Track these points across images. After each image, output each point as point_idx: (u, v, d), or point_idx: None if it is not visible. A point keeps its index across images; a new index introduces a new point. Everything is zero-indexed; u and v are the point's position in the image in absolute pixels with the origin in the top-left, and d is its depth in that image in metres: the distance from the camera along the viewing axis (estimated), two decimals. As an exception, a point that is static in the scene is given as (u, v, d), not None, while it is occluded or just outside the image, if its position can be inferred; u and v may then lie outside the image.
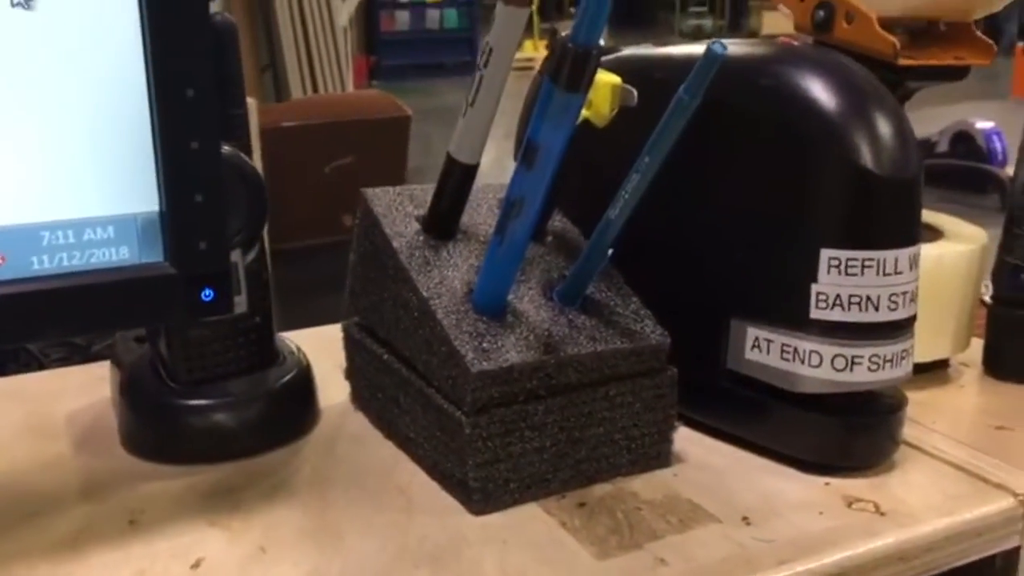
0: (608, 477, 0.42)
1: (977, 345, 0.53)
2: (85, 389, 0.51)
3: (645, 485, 0.41)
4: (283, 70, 3.97)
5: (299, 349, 0.49)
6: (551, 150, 0.35)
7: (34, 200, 0.34)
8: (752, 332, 0.42)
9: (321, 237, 1.83)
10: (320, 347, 0.50)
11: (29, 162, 0.34)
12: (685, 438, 0.44)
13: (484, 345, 0.39)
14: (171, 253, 0.36)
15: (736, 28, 12.52)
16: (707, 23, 12.73)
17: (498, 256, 0.39)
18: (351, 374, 0.50)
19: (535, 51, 9.35)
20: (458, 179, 0.44)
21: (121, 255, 0.35)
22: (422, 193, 0.47)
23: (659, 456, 0.43)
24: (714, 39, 0.34)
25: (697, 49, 0.47)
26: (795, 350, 0.41)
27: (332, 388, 0.50)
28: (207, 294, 0.37)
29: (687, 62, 0.37)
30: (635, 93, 0.39)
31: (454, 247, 0.44)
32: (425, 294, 0.41)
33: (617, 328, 0.42)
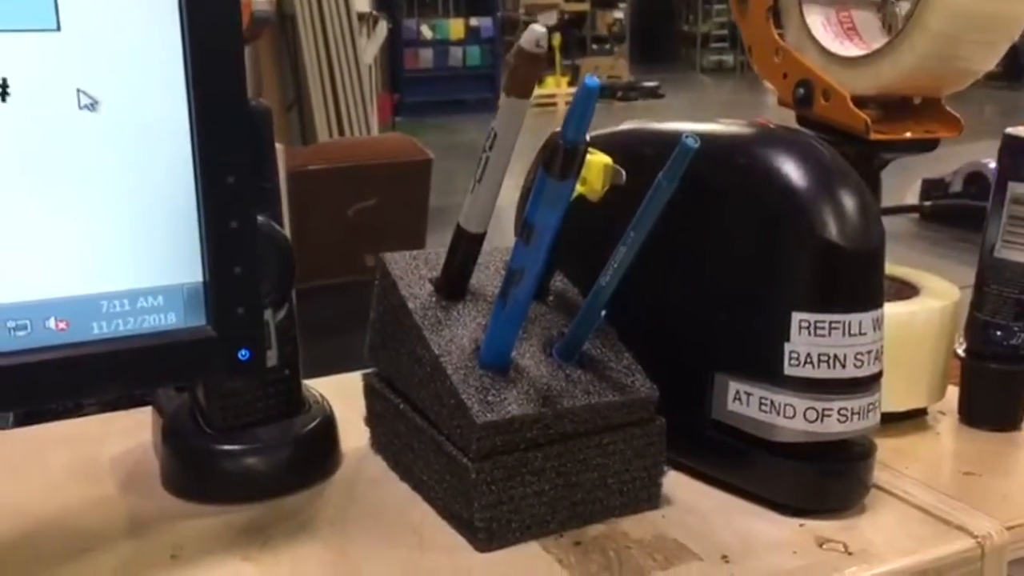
0: (602, 518, 0.46)
1: (953, 393, 0.57)
2: (127, 433, 0.56)
3: (635, 525, 0.45)
4: (309, 107, 4.06)
5: (323, 398, 0.54)
6: (546, 229, 0.40)
7: (95, 273, 0.39)
8: (733, 385, 0.46)
9: (344, 276, 1.89)
10: (341, 394, 0.54)
11: (91, 240, 0.39)
12: (674, 481, 0.48)
13: (489, 398, 0.43)
14: (213, 318, 0.41)
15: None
16: (728, 59, 12.84)
17: (502, 318, 0.44)
18: (370, 421, 0.54)
19: (557, 87, 9.48)
20: (467, 247, 0.49)
21: (169, 320, 0.40)
22: (435, 257, 0.52)
23: (649, 498, 0.47)
24: (687, 133, 0.38)
25: (677, 127, 0.52)
26: (772, 402, 0.45)
27: (352, 433, 0.54)
28: (243, 354, 0.41)
29: (666, 140, 0.41)
30: (623, 173, 0.44)
31: (463, 307, 0.49)
32: (436, 351, 0.46)
33: (610, 382, 0.46)
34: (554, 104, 9.13)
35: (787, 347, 0.44)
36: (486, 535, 0.43)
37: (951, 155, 2.63)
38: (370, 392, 0.53)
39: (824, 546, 0.43)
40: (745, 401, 0.46)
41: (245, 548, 0.44)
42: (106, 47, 0.38)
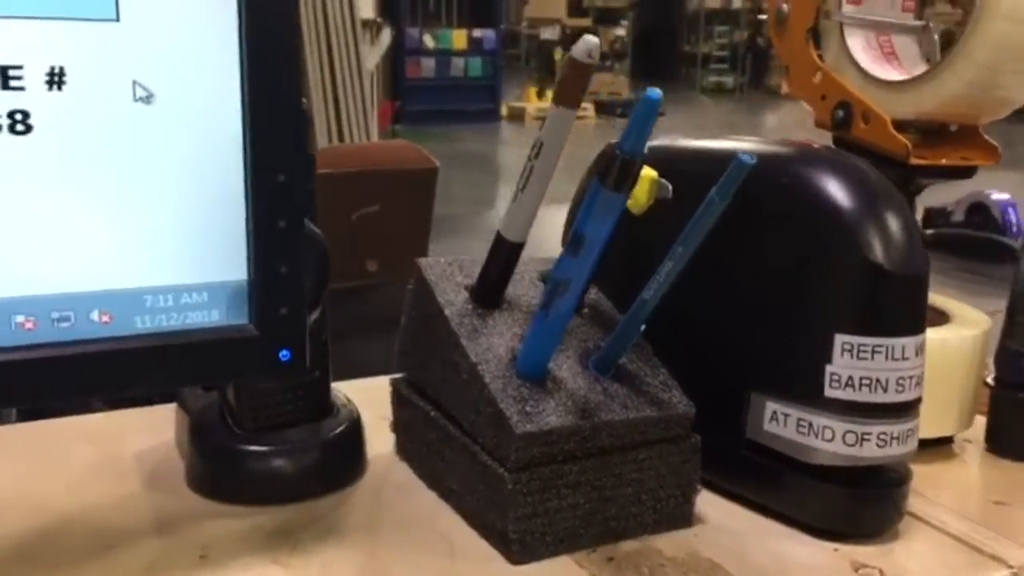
0: (635, 534, 0.45)
1: (980, 423, 0.57)
2: (149, 431, 0.55)
3: (669, 543, 0.45)
4: (310, 112, 4.07)
5: (350, 401, 0.54)
6: (595, 241, 0.40)
7: (139, 267, 0.39)
8: (771, 406, 0.46)
9: (347, 281, 1.88)
10: (363, 398, 0.54)
11: (137, 234, 0.38)
12: (706, 501, 0.48)
13: (527, 408, 0.43)
14: (255, 317, 0.41)
15: (757, 86, 12.69)
16: (728, 80, 12.91)
17: (543, 328, 0.44)
18: (397, 427, 0.54)
19: (557, 101, 9.50)
20: (505, 255, 0.48)
21: (212, 317, 0.40)
22: (471, 264, 0.51)
23: (682, 517, 0.46)
24: (742, 152, 0.38)
25: (722, 144, 0.52)
26: (810, 424, 0.45)
27: (377, 439, 0.54)
28: (284, 355, 0.41)
29: (712, 157, 0.41)
30: (670, 188, 0.44)
31: (500, 316, 0.49)
32: (474, 359, 0.45)
33: (647, 397, 0.46)
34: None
35: (828, 369, 0.44)
36: (520, 547, 0.43)
37: (953, 185, 2.65)
38: (398, 398, 0.53)
39: (860, 571, 0.43)
40: (782, 422, 0.46)
41: (274, 551, 0.44)
42: (164, 40, 0.37)
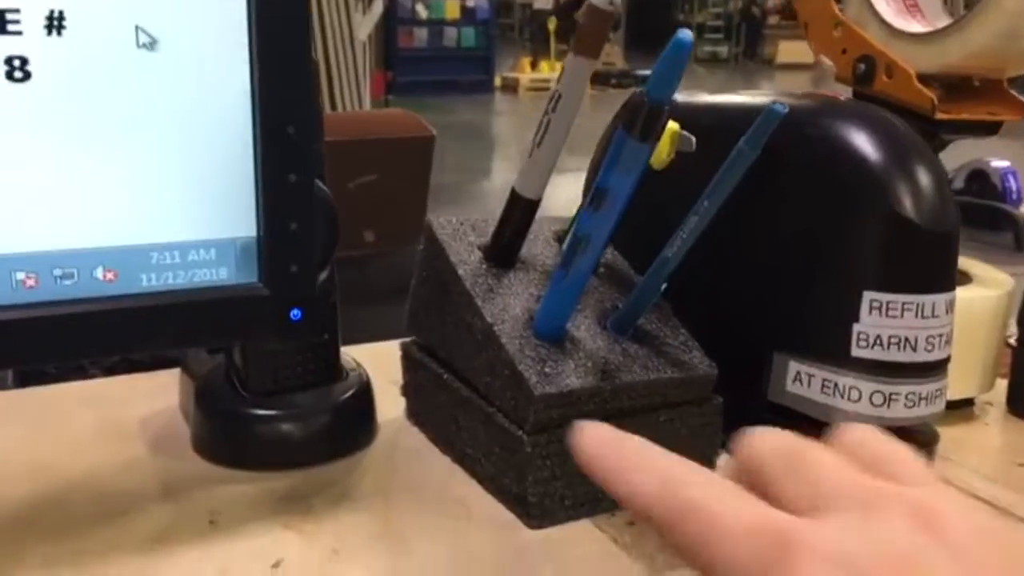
0: (655, 498, 0.44)
1: (1001, 385, 0.56)
2: (154, 395, 0.54)
3: (690, 506, 0.44)
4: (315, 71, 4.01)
5: (359, 365, 0.52)
6: (619, 194, 0.38)
7: (145, 222, 0.37)
8: (794, 366, 0.45)
9: (343, 251, 1.87)
10: (370, 363, 0.53)
11: (142, 188, 0.37)
12: (725, 464, 0.46)
13: (546, 369, 0.42)
14: (265, 275, 0.39)
15: (751, 56, 12.62)
16: (722, 50, 12.83)
17: (561, 287, 0.42)
18: (408, 391, 0.52)
19: (551, 71, 9.44)
20: (521, 213, 0.47)
21: (220, 275, 0.38)
22: (483, 224, 0.50)
23: (702, 480, 0.45)
24: (775, 100, 0.37)
25: (743, 99, 0.50)
26: (835, 385, 0.44)
27: (386, 403, 0.52)
28: (295, 314, 0.40)
29: (734, 111, 0.39)
30: (693, 140, 0.42)
31: (515, 276, 0.47)
32: (489, 320, 0.44)
33: (667, 358, 0.45)
34: (547, 88, 9.10)
35: (855, 328, 0.43)
36: (539, 511, 0.42)
37: (954, 151, 2.63)
38: (409, 361, 0.52)
39: (886, 533, 0.42)
40: (806, 382, 0.45)
41: (286, 516, 0.42)
42: (167, -18, 0.36)
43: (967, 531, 0.23)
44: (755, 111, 0.44)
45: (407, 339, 0.52)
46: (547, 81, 9.17)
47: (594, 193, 0.38)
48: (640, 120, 0.36)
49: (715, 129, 0.44)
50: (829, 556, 0.22)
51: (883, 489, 0.24)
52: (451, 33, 9.07)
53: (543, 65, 9.58)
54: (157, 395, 0.54)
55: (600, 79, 9.31)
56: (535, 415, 0.41)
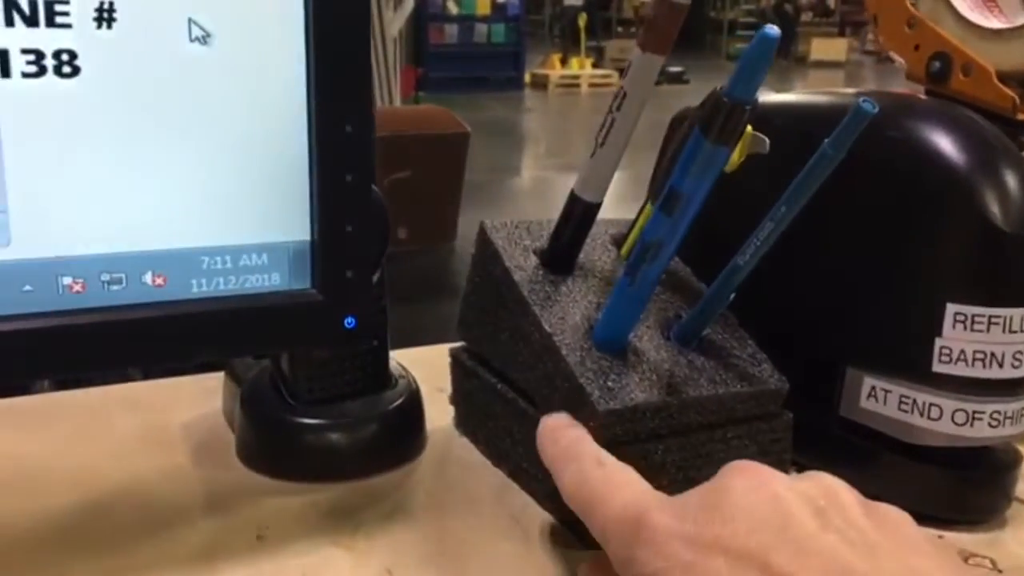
0: (721, 518, 0.42)
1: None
2: (197, 400, 0.52)
3: (758, 528, 0.41)
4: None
5: (407, 371, 0.50)
6: (693, 199, 0.36)
7: (196, 226, 0.35)
8: (869, 381, 0.43)
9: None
10: (415, 369, 0.51)
11: (192, 189, 0.35)
12: (796, 482, 0.44)
13: (609, 383, 0.40)
14: (319, 281, 0.37)
15: (784, 54, 12.48)
16: (754, 47, 12.67)
17: (626, 296, 0.40)
18: (457, 400, 0.51)
19: (581, 69, 9.41)
20: (580, 216, 0.45)
21: (272, 281, 0.37)
22: (538, 227, 0.48)
23: (771, 499, 0.43)
24: (862, 96, 0.34)
25: (815, 98, 0.48)
26: (914, 402, 0.41)
27: (433, 411, 0.51)
28: (350, 322, 0.38)
29: (807, 111, 0.37)
30: (767, 142, 0.40)
31: (573, 283, 0.45)
32: (548, 329, 0.42)
33: (736, 371, 0.42)
34: (577, 86, 9.06)
35: (938, 342, 0.40)
36: (600, 531, 0.40)
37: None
38: (459, 369, 0.50)
39: (969, 561, 0.39)
40: (882, 399, 0.42)
41: (335, 532, 0.41)
42: (221, -26, 0.34)
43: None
44: (831, 110, 0.41)
45: (456, 345, 0.50)
46: (577, 78, 9.14)
47: (666, 196, 0.36)
48: (719, 121, 0.34)
49: (787, 130, 0.42)
50: (671, 531, 0.29)
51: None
52: (481, 29, 9.07)
53: (573, 62, 9.55)
54: (200, 400, 0.52)
55: (630, 76, 9.25)
56: (598, 432, 0.39)
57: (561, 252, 0.46)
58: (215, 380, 0.52)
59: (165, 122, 0.34)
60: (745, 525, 0.27)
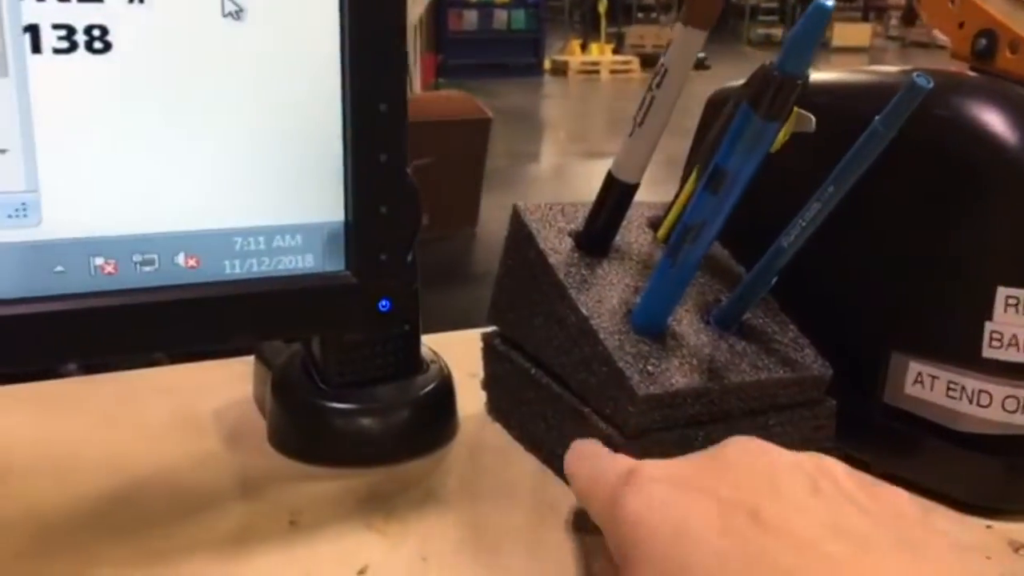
0: (762, 506, 0.41)
1: None
2: (227, 385, 0.52)
3: (800, 517, 0.40)
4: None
5: (438, 356, 0.50)
6: (739, 177, 0.35)
7: (229, 206, 0.35)
8: (915, 367, 0.41)
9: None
10: (445, 354, 0.50)
11: (225, 168, 0.34)
12: (838, 470, 0.43)
13: (648, 368, 0.39)
14: (353, 263, 0.37)
15: (806, 38, 12.34)
16: (776, 32, 12.57)
17: (667, 278, 0.39)
18: (489, 385, 0.50)
19: (601, 55, 9.35)
20: (617, 198, 0.44)
21: (306, 263, 0.36)
22: (572, 209, 0.47)
23: (813, 488, 0.42)
24: (917, 71, 0.33)
25: (859, 77, 0.46)
26: (962, 388, 0.40)
27: (464, 397, 0.50)
28: (384, 305, 0.37)
29: (852, 89, 0.36)
30: (813, 120, 0.38)
31: (609, 265, 0.44)
32: (584, 312, 0.41)
33: (778, 356, 0.41)
34: (597, 72, 9.01)
35: (988, 326, 0.39)
36: (639, 519, 0.39)
37: None
38: (492, 354, 0.49)
39: (1021, 552, 0.38)
40: (928, 385, 0.41)
41: (368, 516, 0.40)
42: (255, -54, 0.33)
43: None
44: (879, 88, 0.40)
45: (488, 329, 0.50)
46: (596, 64, 9.08)
47: (711, 175, 0.35)
48: (768, 95, 0.32)
49: (833, 108, 0.41)
50: (658, 476, 0.29)
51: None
52: (501, 15, 9.02)
53: (593, 48, 9.49)
54: (230, 384, 0.52)
55: (650, 61, 9.20)
56: (637, 417, 0.38)
57: (597, 234, 0.45)
58: (245, 365, 0.52)
59: (198, 99, 0.33)
60: (738, 479, 0.28)
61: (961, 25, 0.51)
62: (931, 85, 0.33)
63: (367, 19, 0.34)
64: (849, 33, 11.92)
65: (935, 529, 0.27)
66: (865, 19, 13.31)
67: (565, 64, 9.04)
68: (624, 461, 0.32)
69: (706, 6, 0.38)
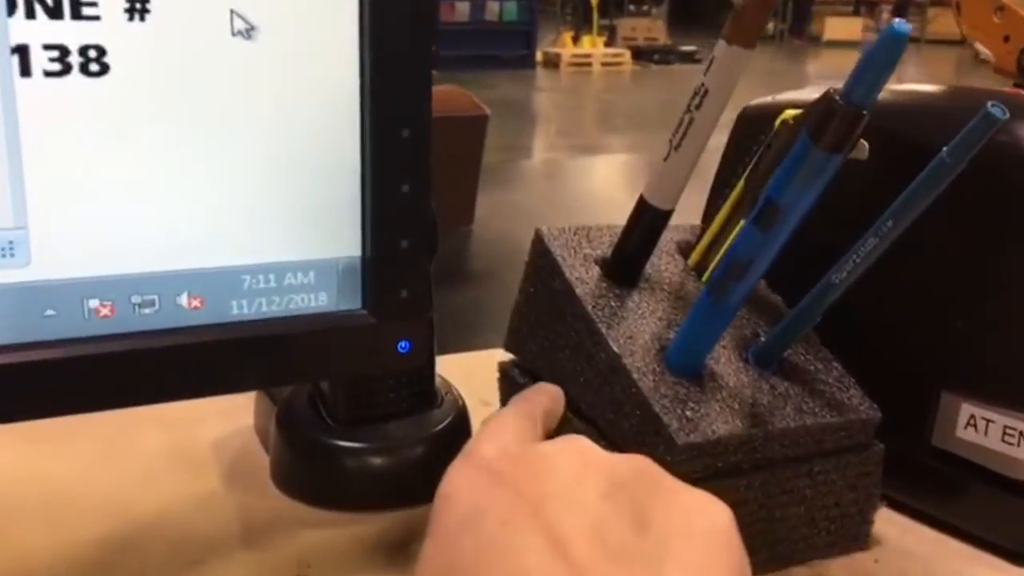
0: (805, 558, 0.39)
1: None
2: (226, 416, 0.49)
3: (845, 571, 0.38)
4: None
5: (451, 386, 0.47)
6: (792, 212, 0.32)
7: (235, 242, 0.32)
8: (967, 409, 0.39)
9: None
10: (455, 379, 0.47)
11: (234, 201, 0.31)
12: (884, 519, 0.40)
13: (687, 413, 0.36)
14: (370, 301, 0.34)
15: (798, 33, 12.33)
16: (768, 26, 12.55)
17: (707, 315, 0.36)
18: (507, 418, 0.47)
19: (592, 47, 9.31)
20: (649, 224, 0.41)
21: (320, 302, 0.33)
22: (598, 233, 0.44)
23: (857, 538, 0.39)
24: (992, 102, 0.30)
25: (913, 98, 0.44)
26: (1020, 434, 0.37)
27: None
28: (403, 346, 0.34)
29: (905, 110, 0.33)
30: (866, 147, 0.36)
31: (639, 296, 0.41)
32: (616, 350, 0.38)
33: (823, 398, 0.39)
34: (589, 64, 8.97)
35: (1050, 369, 0.36)
36: (676, 575, 0.36)
37: None
38: (510, 384, 0.46)
39: (1082, 610, 0.36)
40: (982, 429, 0.38)
41: (385, 570, 0.37)
42: (267, -42, 0.30)
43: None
44: (935, 112, 0.37)
45: (505, 359, 0.47)
46: (589, 56, 9.04)
47: (762, 209, 0.32)
48: (833, 126, 0.30)
49: (885, 132, 0.38)
50: (486, 460, 0.30)
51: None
52: (493, 7, 8.96)
53: (585, 40, 9.45)
54: (230, 415, 0.49)
55: (642, 55, 9.16)
56: (675, 468, 0.35)
57: (626, 262, 0.42)
58: (244, 395, 0.49)
59: (202, 125, 0.30)
60: (539, 473, 0.28)
61: (1007, 39, 0.49)
62: (1007, 116, 0.30)
63: (390, 36, 0.31)
64: (840, 27, 11.91)
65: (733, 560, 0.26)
66: (856, 13, 13.30)
67: (557, 56, 8.99)
68: (481, 437, 0.32)
69: (751, 23, 0.35)
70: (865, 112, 0.29)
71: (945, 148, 0.32)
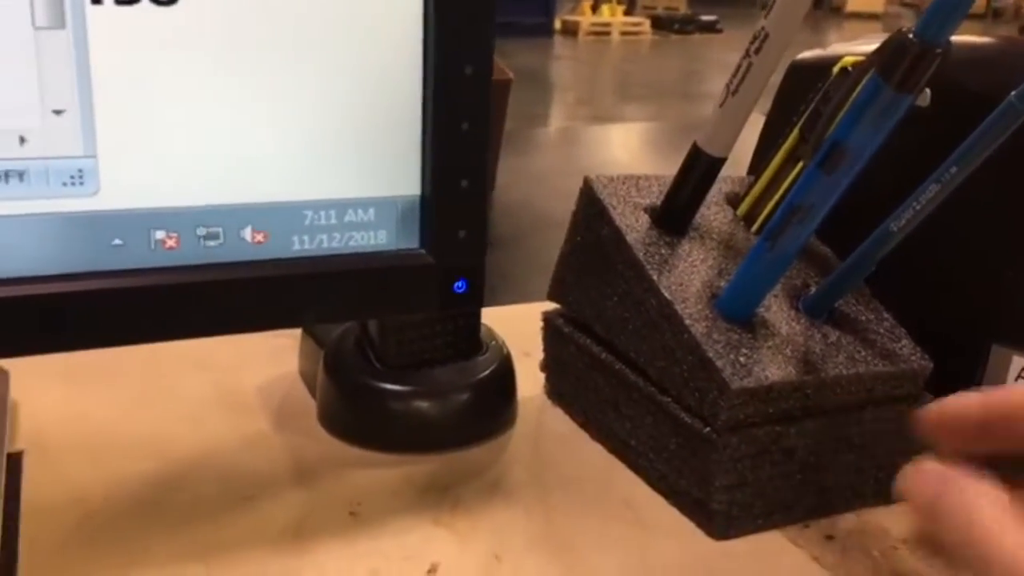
0: (851, 507, 0.39)
1: None
2: (270, 359, 0.49)
3: (893, 520, 0.38)
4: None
5: (497, 335, 0.47)
6: (860, 155, 0.32)
7: (299, 176, 0.32)
8: (1018, 361, 0.39)
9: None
10: (497, 330, 0.47)
11: (297, 135, 0.31)
12: (931, 469, 0.40)
13: (740, 359, 0.36)
14: (428, 240, 0.34)
15: (818, 3, 12.16)
16: (789, -4, 12.32)
17: (763, 262, 0.36)
18: (550, 367, 0.47)
19: (612, 16, 9.21)
20: (702, 172, 0.41)
21: (379, 240, 0.33)
22: (646, 182, 0.44)
23: (905, 487, 0.39)
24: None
25: (974, 46, 0.43)
26: (1074, 387, 0.37)
27: (520, 378, 0.47)
28: (460, 285, 0.34)
29: (968, 58, 0.32)
30: (928, 92, 0.35)
31: (690, 245, 0.41)
32: (667, 296, 0.38)
33: (875, 348, 0.38)
34: (608, 33, 8.88)
35: (1108, 321, 0.36)
36: (724, 520, 0.36)
37: None
38: (555, 335, 0.46)
39: None
40: (1034, 381, 0.38)
41: (434, 509, 0.38)
42: None
43: None
44: (999, 59, 0.37)
45: (551, 309, 0.47)
46: (607, 25, 8.95)
47: (827, 152, 0.32)
48: (904, 65, 0.29)
49: (946, 79, 0.37)
50: None
51: None
52: (511, -27, 8.86)
53: (604, 9, 9.34)
54: (273, 359, 0.49)
55: (662, 24, 9.06)
56: (729, 412, 0.35)
57: (677, 211, 0.42)
58: (287, 338, 0.49)
59: (267, 57, 0.30)
60: None
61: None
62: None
63: (453, -28, 0.31)
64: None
65: None
66: (880, -15, 13.09)
67: (576, 24, 8.90)
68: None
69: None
70: (939, 50, 0.29)
71: (1013, 93, 0.31)
